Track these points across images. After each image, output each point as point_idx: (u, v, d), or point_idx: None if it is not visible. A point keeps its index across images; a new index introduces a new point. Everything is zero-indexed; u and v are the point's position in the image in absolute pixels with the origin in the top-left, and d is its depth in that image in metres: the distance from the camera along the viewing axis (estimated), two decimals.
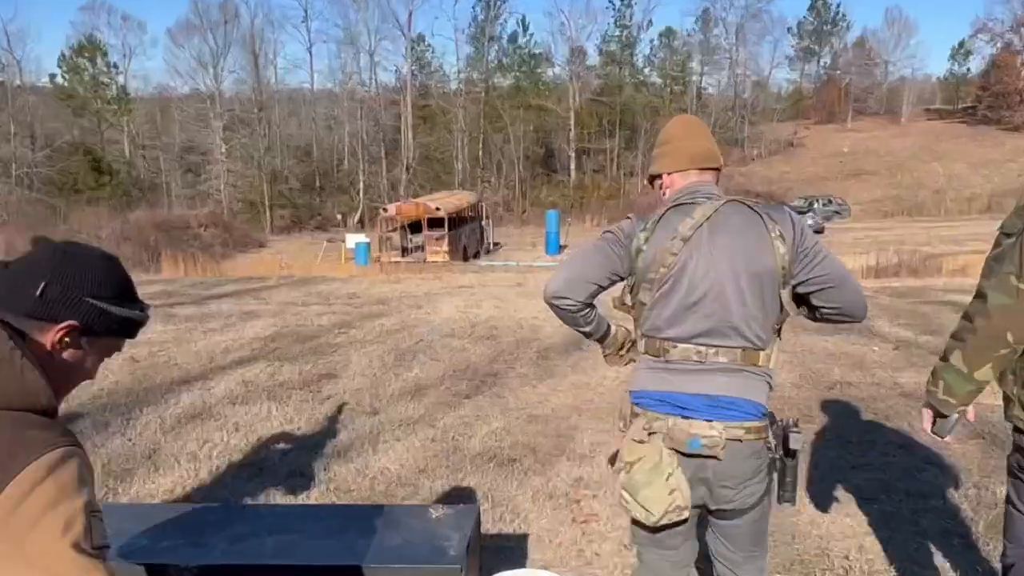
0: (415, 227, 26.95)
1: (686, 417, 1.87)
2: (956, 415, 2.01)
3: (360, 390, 5.55)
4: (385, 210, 28.19)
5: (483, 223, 30.54)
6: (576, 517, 3.51)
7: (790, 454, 1.95)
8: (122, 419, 4.92)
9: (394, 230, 27.21)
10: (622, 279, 1.98)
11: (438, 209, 25.95)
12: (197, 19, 51.09)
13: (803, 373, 5.87)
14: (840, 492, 3.70)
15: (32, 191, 44.47)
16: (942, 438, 2.08)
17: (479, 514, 2.53)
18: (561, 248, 28.82)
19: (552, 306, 1.99)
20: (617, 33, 59.10)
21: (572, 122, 53.63)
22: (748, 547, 2.04)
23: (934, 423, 2.07)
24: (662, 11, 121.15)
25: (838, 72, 66.40)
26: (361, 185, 50.88)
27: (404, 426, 4.79)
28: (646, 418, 1.92)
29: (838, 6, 64.36)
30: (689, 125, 2.10)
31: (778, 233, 1.85)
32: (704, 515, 2.04)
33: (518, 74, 58.34)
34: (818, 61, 67.94)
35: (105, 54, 52.83)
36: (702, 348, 1.88)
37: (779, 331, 1.96)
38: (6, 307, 1.04)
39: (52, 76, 54.22)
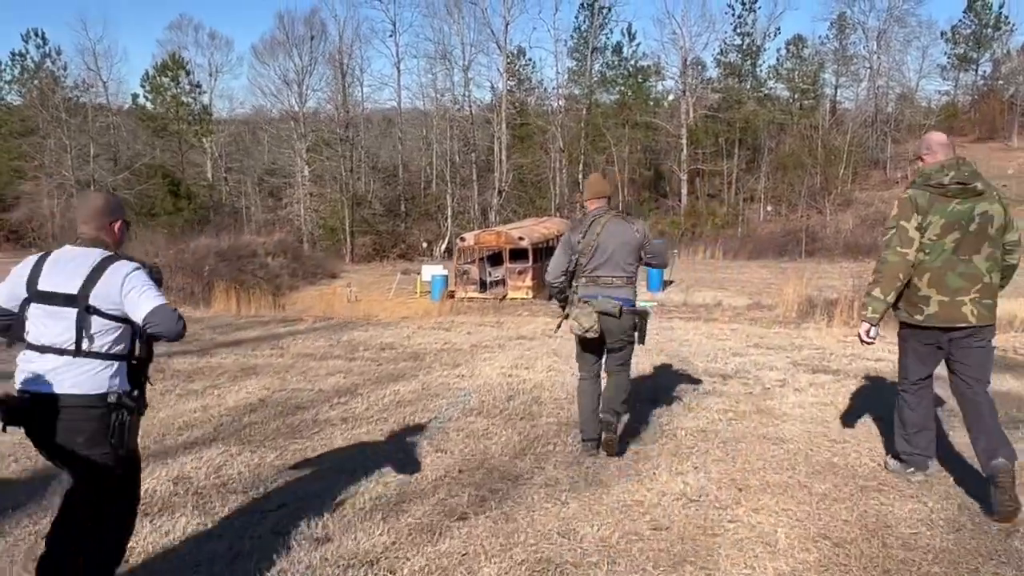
0: (495, 259, 25.98)
1: (606, 297, 5.04)
2: (878, 326, 4.46)
3: (318, 499, 4.39)
4: (462, 239, 27.26)
5: None
6: None
7: (644, 320, 5.19)
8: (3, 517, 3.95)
9: (472, 262, 26.26)
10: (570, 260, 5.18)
11: (521, 239, 24.85)
12: (283, 35, 52.64)
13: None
14: None
15: None
16: (872, 341, 4.48)
17: None
18: (665, 284, 26.95)
19: (553, 287, 5.30)
20: (738, 42, 57.28)
21: (684, 141, 51.92)
22: (620, 365, 5.24)
23: (868, 333, 4.44)
24: (790, 16, 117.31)
25: (1000, 82, 61.98)
26: (449, 210, 50.59)
27: (354, 568, 3.59)
28: (587, 302, 5.02)
29: (1000, 6, 60.29)
30: (597, 176, 5.62)
31: (637, 228, 5.22)
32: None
33: (624, 88, 57.15)
34: (976, 69, 63.66)
35: (188, 72, 55.09)
36: (610, 276, 5.09)
37: (637, 268, 5.24)
38: None
39: (135, 96, 56.97)
